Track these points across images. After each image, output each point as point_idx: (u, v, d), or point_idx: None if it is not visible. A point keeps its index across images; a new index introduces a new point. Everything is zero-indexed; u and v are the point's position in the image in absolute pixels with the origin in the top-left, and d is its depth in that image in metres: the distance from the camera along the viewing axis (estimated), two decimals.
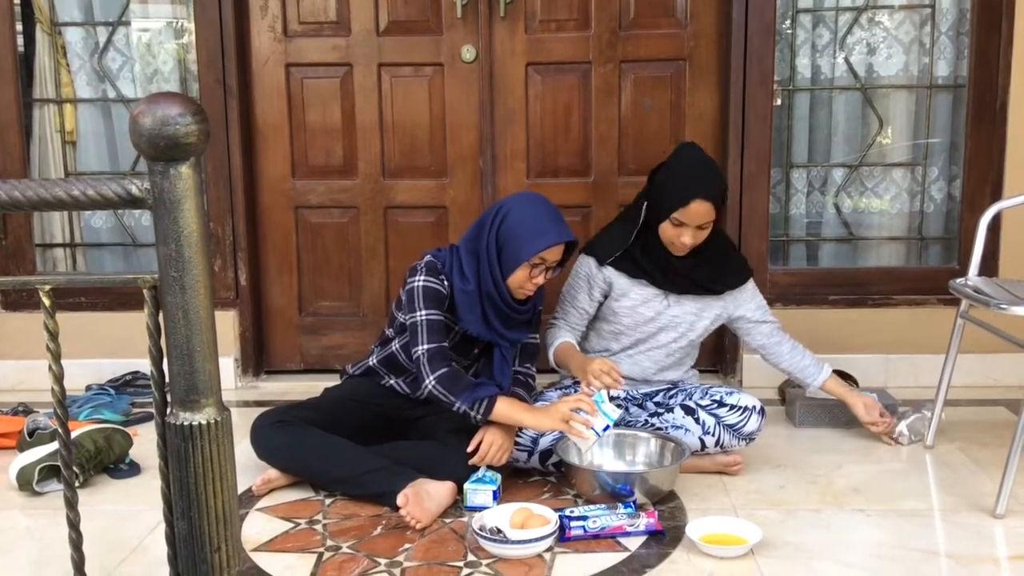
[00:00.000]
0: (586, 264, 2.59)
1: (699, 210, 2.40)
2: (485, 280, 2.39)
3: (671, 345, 2.61)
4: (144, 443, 2.73)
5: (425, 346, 2.34)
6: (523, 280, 2.37)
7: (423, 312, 2.36)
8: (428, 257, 2.44)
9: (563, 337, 2.58)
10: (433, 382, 2.30)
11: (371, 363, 2.57)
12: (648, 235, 2.51)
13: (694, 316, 2.59)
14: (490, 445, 2.34)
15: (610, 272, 2.56)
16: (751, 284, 2.66)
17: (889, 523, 2.21)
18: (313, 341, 3.51)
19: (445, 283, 2.40)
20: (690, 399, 2.52)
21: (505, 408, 2.31)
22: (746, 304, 2.64)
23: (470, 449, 2.35)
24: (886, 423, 2.67)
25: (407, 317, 2.39)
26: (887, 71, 3.35)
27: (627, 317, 2.58)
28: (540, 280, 2.39)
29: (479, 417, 2.30)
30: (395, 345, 2.50)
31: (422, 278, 2.39)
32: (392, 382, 2.55)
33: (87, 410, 3.02)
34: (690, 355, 2.68)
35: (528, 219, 2.36)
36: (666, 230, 2.46)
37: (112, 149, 3.56)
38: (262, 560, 2.06)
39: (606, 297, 2.60)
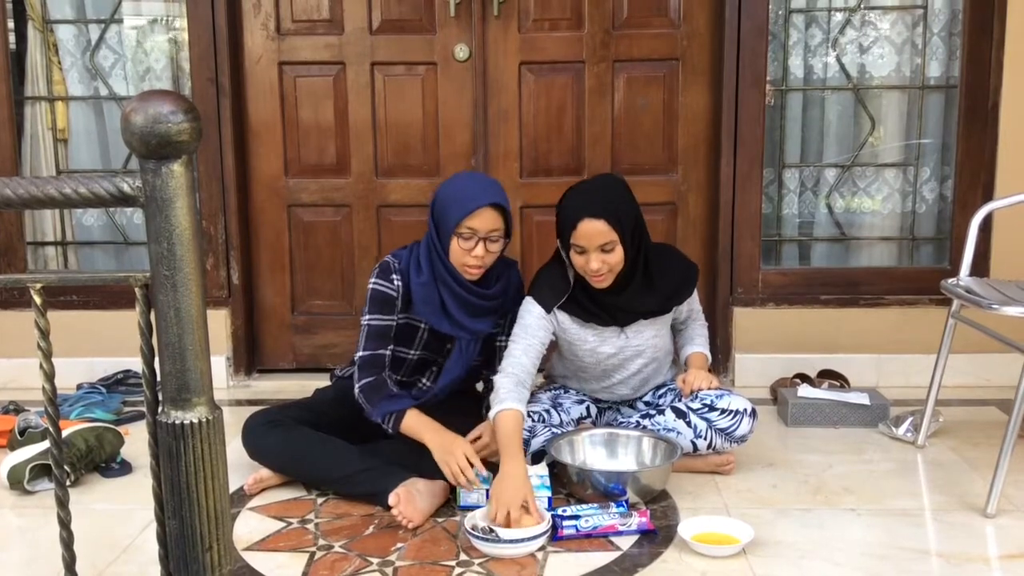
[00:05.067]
0: (537, 307, 2.44)
1: (590, 229, 2.29)
2: (437, 266, 2.39)
3: (643, 370, 2.57)
4: (135, 442, 2.73)
5: (361, 352, 2.41)
6: (460, 254, 2.34)
7: (367, 317, 2.42)
8: (386, 258, 2.45)
9: (508, 401, 2.27)
10: (357, 390, 2.40)
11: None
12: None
13: (656, 338, 2.54)
14: (484, 445, 2.36)
15: (562, 317, 2.46)
16: (694, 294, 2.62)
17: (880, 522, 2.22)
18: (306, 340, 3.51)
19: (396, 282, 2.40)
20: (681, 401, 2.51)
21: (413, 423, 2.36)
22: (684, 308, 2.61)
23: (468, 439, 2.36)
24: (690, 385, 2.49)
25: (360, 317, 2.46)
26: (879, 71, 3.36)
27: (589, 357, 2.52)
28: (479, 252, 2.33)
29: (390, 429, 2.36)
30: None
31: (373, 280, 2.42)
32: None
33: (78, 409, 3.01)
34: (666, 360, 2.65)
35: (451, 191, 2.38)
36: (576, 261, 2.36)
37: (104, 147, 3.56)
38: (254, 559, 2.06)
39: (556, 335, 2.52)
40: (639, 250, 2.40)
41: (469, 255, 2.34)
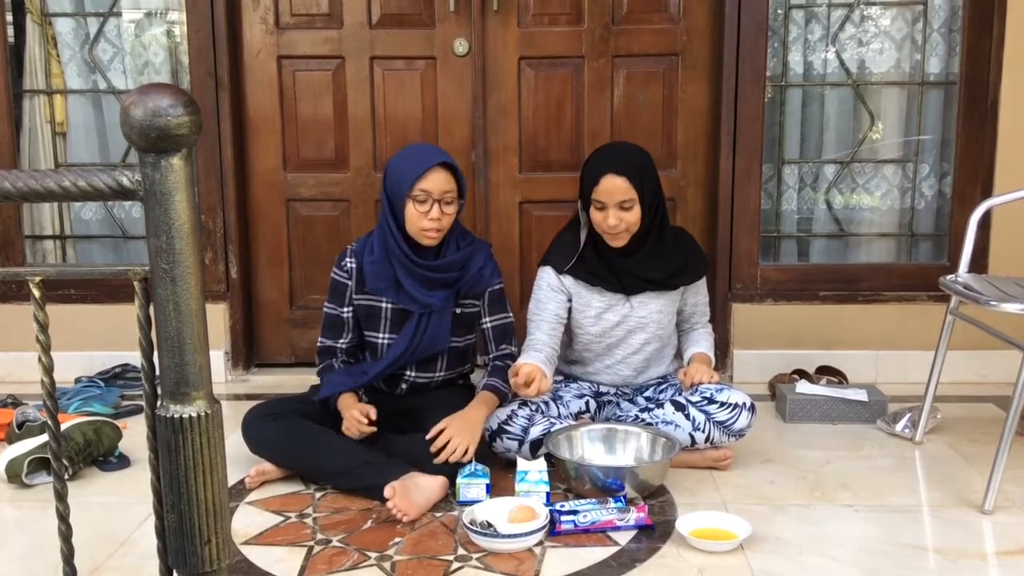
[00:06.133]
0: (547, 274, 2.58)
1: (612, 186, 2.41)
2: (388, 240, 2.44)
3: (645, 348, 2.61)
4: (133, 436, 2.72)
5: (320, 341, 2.58)
6: (416, 218, 2.38)
7: (327, 305, 2.57)
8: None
9: (526, 358, 2.46)
10: (317, 372, 2.58)
11: None
12: (597, 236, 2.52)
13: (660, 314, 2.58)
14: (455, 448, 2.30)
15: (569, 282, 2.56)
16: (703, 281, 2.67)
17: (878, 518, 2.22)
18: (304, 334, 3.51)
19: (349, 265, 2.51)
20: (680, 395, 2.52)
21: (342, 402, 2.46)
22: (690, 299, 2.66)
23: (430, 439, 2.33)
24: (691, 378, 2.49)
25: None
26: (879, 67, 3.36)
27: (594, 326, 2.58)
28: (435, 214, 2.37)
29: (332, 406, 2.47)
30: None
31: (333, 271, 2.56)
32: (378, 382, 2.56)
33: (76, 402, 3.01)
34: (668, 349, 2.68)
35: (400, 160, 2.45)
36: (594, 217, 2.47)
37: (103, 140, 3.55)
38: (252, 553, 2.06)
39: (571, 301, 2.59)
40: (655, 216, 2.49)
41: (426, 218, 2.38)
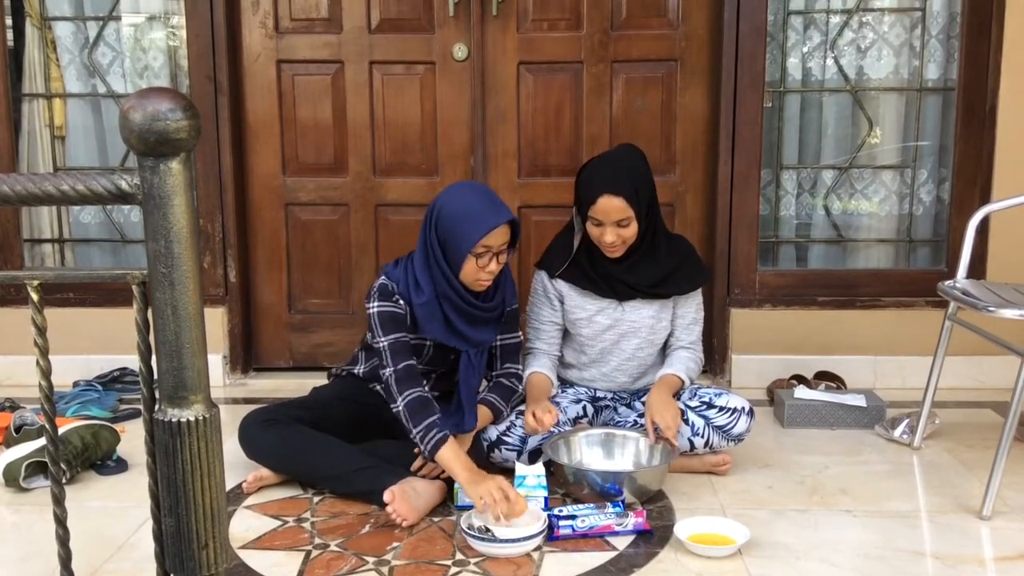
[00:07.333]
0: (540, 279, 2.61)
1: (609, 206, 2.38)
2: (439, 282, 2.35)
3: (638, 354, 2.59)
4: (131, 440, 2.72)
5: (392, 367, 2.31)
6: (474, 272, 2.32)
7: (385, 338, 2.33)
8: (381, 280, 2.39)
9: (534, 366, 2.56)
10: (402, 405, 2.29)
11: (357, 372, 2.58)
12: (590, 242, 2.51)
13: (653, 320, 2.56)
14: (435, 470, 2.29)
15: (561, 285, 2.57)
16: (697, 295, 2.62)
17: (876, 524, 2.22)
18: (302, 338, 3.51)
19: (401, 302, 2.36)
20: (679, 399, 2.52)
21: (449, 455, 2.23)
22: (678, 310, 2.60)
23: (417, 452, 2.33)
24: (657, 434, 2.39)
25: (373, 342, 2.37)
26: (877, 73, 3.36)
27: (585, 328, 2.58)
28: (493, 267, 2.32)
29: (425, 452, 2.27)
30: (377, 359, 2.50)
31: (376, 304, 2.35)
32: (379, 388, 2.54)
33: (74, 406, 3.01)
34: (662, 358, 2.67)
35: (460, 210, 2.31)
36: (591, 231, 2.46)
37: (102, 144, 3.55)
38: (250, 558, 2.06)
39: (564, 303, 2.59)
40: (650, 223, 2.48)
41: (483, 271, 2.32)
